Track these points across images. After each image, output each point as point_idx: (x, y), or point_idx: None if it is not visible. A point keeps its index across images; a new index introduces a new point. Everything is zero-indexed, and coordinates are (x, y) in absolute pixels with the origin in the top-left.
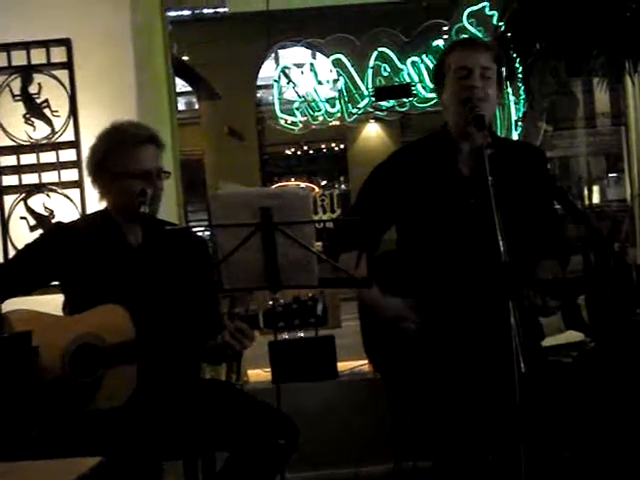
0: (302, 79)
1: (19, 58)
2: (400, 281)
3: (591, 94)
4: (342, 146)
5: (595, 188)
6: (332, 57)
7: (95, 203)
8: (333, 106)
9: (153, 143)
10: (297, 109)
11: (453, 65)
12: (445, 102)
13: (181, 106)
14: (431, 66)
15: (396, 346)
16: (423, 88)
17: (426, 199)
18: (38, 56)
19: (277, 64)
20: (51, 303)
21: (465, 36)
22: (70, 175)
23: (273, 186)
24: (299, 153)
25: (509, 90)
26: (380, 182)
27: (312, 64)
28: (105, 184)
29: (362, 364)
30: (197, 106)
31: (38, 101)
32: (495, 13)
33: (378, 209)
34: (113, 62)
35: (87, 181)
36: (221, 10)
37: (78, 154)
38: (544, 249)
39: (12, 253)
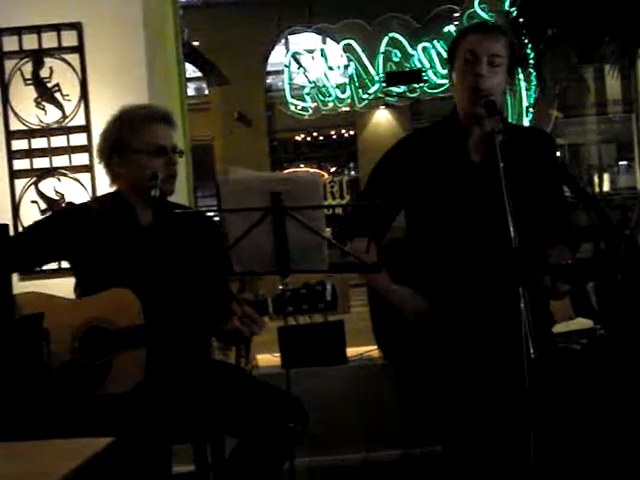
0: (312, 65)
1: (30, 42)
2: (409, 268)
3: (602, 81)
4: (352, 132)
5: (605, 176)
6: (343, 42)
7: (106, 187)
8: (343, 92)
9: (166, 121)
10: (307, 94)
11: (464, 48)
12: (454, 85)
13: (191, 92)
14: (442, 52)
15: (406, 333)
16: (434, 74)
17: (436, 186)
18: (49, 40)
19: (287, 50)
20: (62, 286)
21: (477, 21)
22: (81, 159)
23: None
24: (308, 139)
25: (520, 76)
26: (389, 168)
27: (322, 50)
28: (120, 165)
29: (371, 350)
30: (207, 92)
31: (49, 85)
32: None
33: (387, 195)
34: (124, 47)
35: (98, 165)
36: None
37: (89, 138)
38: (554, 235)
39: None
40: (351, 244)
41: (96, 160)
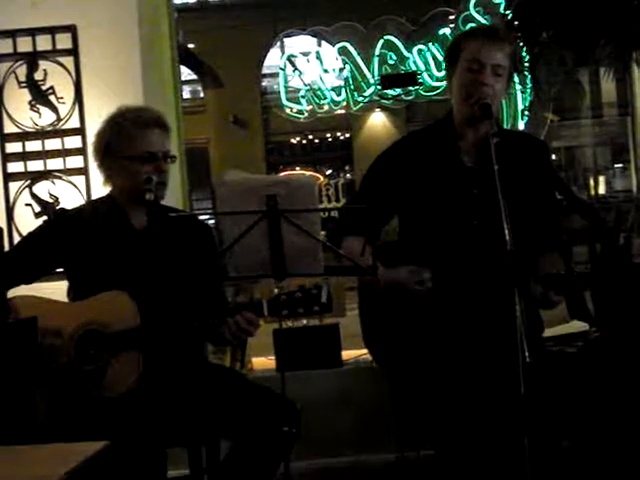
0: (308, 67)
1: (24, 45)
2: None
3: (598, 84)
4: (347, 135)
5: (601, 179)
6: (338, 45)
7: (100, 190)
8: (339, 94)
9: (159, 126)
10: (303, 97)
11: (467, 54)
12: (453, 87)
13: (186, 94)
14: (437, 54)
15: (397, 338)
16: (429, 76)
17: (428, 189)
18: (43, 43)
19: (283, 52)
20: (56, 290)
21: (473, 24)
22: (75, 162)
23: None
24: (304, 142)
25: (515, 79)
26: (382, 171)
27: (318, 52)
28: (111, 167)
29: (366, 353)
30: (202, 94)
31: (43, 88)
32: (502, 1)
33: (380, 198)
34: (118, 49)
35: (92, 168)
36: None
37: (83, 141)
38: (546, 241)
39: (17, 239)
40: (345, 243)
41: (91, 158)
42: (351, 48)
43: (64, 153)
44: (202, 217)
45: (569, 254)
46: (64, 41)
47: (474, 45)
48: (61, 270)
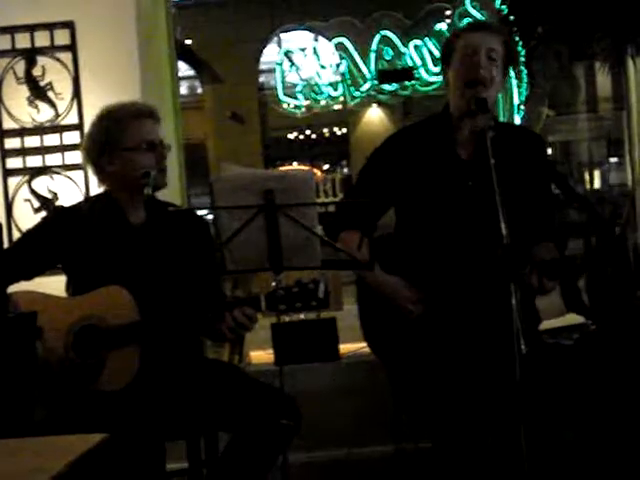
0: (305, 63)
1: (23, 41)
2: (398, 264)
3: (593, 78)
4: (344, 130)
5: (596, 173)
6: (335, 40)
7: (98, 186)
8: (336, 89)
9: (151, 117)
10: (300, 92)
11: (461, 44)
12: (449, 82)
13: (184, 90)
14: (434, 50)
15: (395, 329)
16: (425, 71)
17: (424, 182)
18: (42, 39)
19: (280, 48)
20: (54, 285)
21: (469, 19)
22: (74, 158)
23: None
24: (301, 137)
25: (512, 74)
26: (379, 165)
27: (315, 47)
28: (109, 164)
29: (364, 346)
30: (200, 90)
31: (42, 84)
32: None
33: (376, 192)
34: (116, 45)
35: None
36: None
37: (82, 137)
38: (541, 233)
39: (16, 235)
40: (342, 236)
41: (83, 161)
42: (348, 43)
43: (62, 149)
44: (200, 212)
45: (564, 245)
46: (62, 37)
47: (467, 36)
48: (59, 266)
